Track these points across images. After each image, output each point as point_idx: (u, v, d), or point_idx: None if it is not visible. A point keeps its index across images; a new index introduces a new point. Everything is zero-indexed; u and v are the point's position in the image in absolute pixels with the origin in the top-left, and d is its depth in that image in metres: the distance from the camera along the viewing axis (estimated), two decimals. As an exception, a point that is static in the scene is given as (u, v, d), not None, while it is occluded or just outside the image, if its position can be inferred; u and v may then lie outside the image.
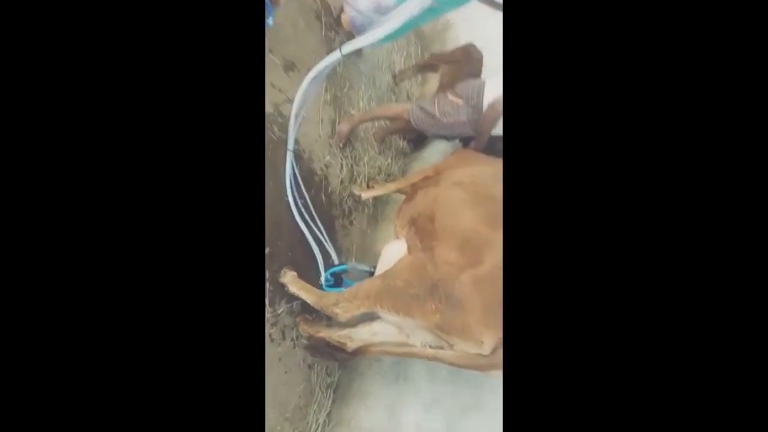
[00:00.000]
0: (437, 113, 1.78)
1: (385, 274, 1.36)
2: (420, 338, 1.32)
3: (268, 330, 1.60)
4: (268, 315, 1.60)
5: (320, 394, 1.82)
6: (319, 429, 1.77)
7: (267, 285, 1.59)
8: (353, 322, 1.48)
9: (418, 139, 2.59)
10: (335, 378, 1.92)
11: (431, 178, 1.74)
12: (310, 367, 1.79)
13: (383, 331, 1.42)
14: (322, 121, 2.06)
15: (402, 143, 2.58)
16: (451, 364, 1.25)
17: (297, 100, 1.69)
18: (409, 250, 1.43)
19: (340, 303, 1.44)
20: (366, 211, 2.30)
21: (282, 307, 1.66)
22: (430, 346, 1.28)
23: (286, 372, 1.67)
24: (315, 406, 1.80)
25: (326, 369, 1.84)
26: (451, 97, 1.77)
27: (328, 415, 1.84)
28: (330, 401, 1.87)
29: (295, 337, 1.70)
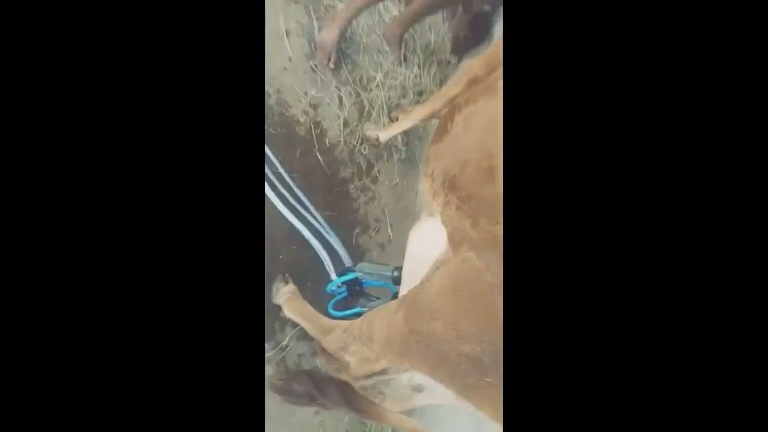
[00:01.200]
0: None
1: (411, 303, 0.69)
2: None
3: (267, 373, 1.11)
4: (268, 354, 1.10)
5: None
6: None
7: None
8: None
9: (480, 27, 1.58)
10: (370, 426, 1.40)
11: (481, 81, 0.91)
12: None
13: (431, 388, 0.80)
14: (287, 33, 1.29)
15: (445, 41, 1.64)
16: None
17: None
18: (452, 242, 0.72)
19: (350, 346, 0.84)
20: (395, 155, 1.56)
21: (288, 335, 1.14)
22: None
23: None
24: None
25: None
26: None
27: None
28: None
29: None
